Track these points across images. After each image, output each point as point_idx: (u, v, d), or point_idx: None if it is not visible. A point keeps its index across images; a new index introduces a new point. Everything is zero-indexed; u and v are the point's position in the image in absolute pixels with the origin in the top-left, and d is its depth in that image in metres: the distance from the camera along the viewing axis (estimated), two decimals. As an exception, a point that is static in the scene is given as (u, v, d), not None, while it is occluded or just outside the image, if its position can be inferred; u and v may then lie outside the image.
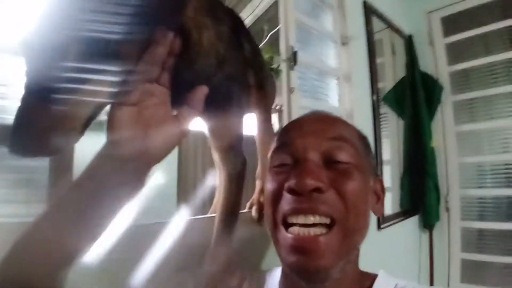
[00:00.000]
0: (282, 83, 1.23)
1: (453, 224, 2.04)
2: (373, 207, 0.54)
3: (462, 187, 2.07)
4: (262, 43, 2.46)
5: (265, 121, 0.93)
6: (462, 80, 2.14)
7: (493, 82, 2.02)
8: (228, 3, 2.66)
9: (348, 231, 0.46)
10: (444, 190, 2.08)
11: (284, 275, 0.56)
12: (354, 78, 1.55)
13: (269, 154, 0.57)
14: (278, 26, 1.33)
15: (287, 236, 0.46)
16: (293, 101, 1.18)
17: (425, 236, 2.06)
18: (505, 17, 1.97)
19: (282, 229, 0.47)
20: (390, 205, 1.91)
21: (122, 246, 0.51)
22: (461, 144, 2.11)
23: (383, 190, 0.58)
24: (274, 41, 1.68)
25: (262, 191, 0.97)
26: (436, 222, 2.02)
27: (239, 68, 0.61)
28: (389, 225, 1.66)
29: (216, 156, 0.69)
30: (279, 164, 0.52)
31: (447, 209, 2.06)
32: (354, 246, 0.49)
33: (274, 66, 2.52)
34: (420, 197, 1.97)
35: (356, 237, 0.48)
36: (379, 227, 1.57)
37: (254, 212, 0.92)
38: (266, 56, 2.48)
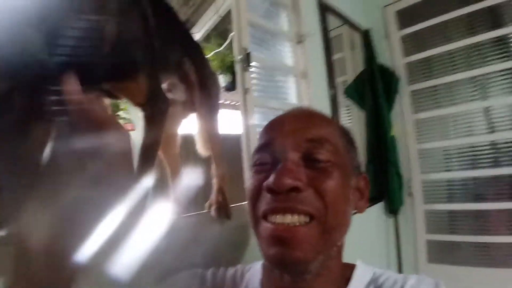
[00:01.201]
0: (237, 84, 1.27)
1: (417, 208, 2.15)
2: (356, 204, 0.55)
3: (423, 172, 2.17)
4: (226, 43, 2.50)
5: (210, 121, 0.95)
6: (421, 70, 2.23)
7: (453, 69, 2.11)
8: (192, 3, 2.68)
9: (326, 228, 0.47)
10: (407, 176, 2.18)
11: (265, 268, 0.58)
12: (311, 75, 1.60)
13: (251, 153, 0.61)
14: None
15: (266, 226, 0.47)
16: (249, 100, 1.22)
17: (391, 221, 2.16)
18: (460, 5, 2.06)
19: (262, 222, 0.48)
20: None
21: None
22: (422, 131, 2.21)
23: (367, 186, 0.58)
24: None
25: (220, 190, 1.00)
26: (400, 207, 2.12)
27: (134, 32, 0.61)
28: (356, 213, 1.73)
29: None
30: (259, 163, 0.52)
31: (410, 194, 2.17)
32: (333, 243, 0.50)
33: (240, 65, 2.56)
34: (384, 184, 2.06)
35: (335, 234, 0.49)
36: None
37: (213, 211, 0.95)
38: (231, 55, 2.52)
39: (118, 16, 0.53)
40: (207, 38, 2.74)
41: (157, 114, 0.69)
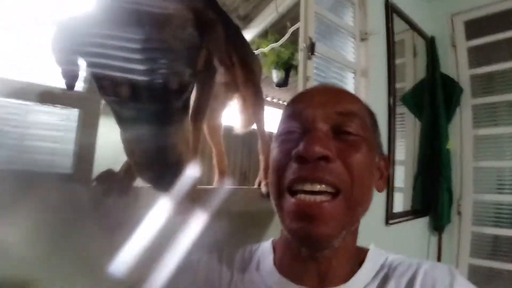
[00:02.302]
0: (299, 72, 1.27)
1: (464, 228, 2.02)
2: (376, 182, 0.54)
3: (476, 191, 2.04)
4: (284, 39, 2.52)
5: (256, 97, 0.96)
6: (484, 84, 2.12)
7: None
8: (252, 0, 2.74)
9: (352, 202, 0.46)
10: (457, 194, 2.06)
11: (281, 243, 0.56)
12: (372, 75, 1.57)
13: (277, 124, 0.57)
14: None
15: (291, 201, 0.46)
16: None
17: (434, 238, 2.05)
18: None
19: (287, 195, 0.47)
20: (401, 203, 1.92)
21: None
22: (479, 148, 2.09)
23: (386, 167, 0.57)
24: (296, 39, 1.72)
25: (267, 166, 1.01)
26: (446, 224, 2.01)
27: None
28: (397, 222, 1.67)
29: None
30: (287, 131, 0.52)
31: (459, 213, 2.05)
32: (356, 218, 0.50)
33: (295, 62, 2.57)
34: (433, 198, 1.97)
35: (359, 209, 0.49)
36: (387, 223, 1.59)
37: (263, 187, 0.95)
38: (287, 52, 2.54)
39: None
40: (264, 34, 2.78)
41: (208, 78, 0.74)
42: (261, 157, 1.01)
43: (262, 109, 1.00)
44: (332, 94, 0.54)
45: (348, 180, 0.46)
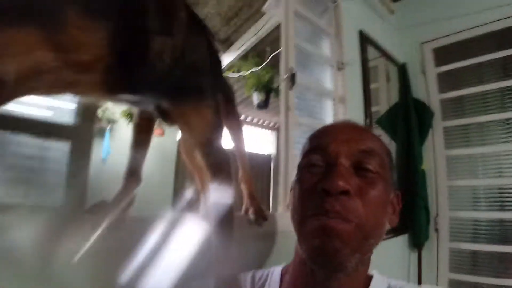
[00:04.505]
0: (280, 102, 1.33)
1: (441, 244, 2.10)
2: (389, 217, 0.58)
3: (452, 209, 2.14)
4: (264, 63, 2.60)
5: (238, 126, 1.01)
6: (454, 107, 2.24)
7: (485, 110, 2.11)
8: (233, 23, 2.83)
9: (365, 233, 0.50)
10: (434, 212, 2.15)
11: (295, 270, 0.59)
12: (349, 101, 1.66)
13: (298, 156, 0.63)
14: (279, 48, 1.44)
15: (314, 222, 0.50)
16: (290, 118, 1.28)
17: (414, 255, 2.11)
18: (498, 48, 2.08)
19: (308, 220, 0.52)
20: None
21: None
22: (452, 168, 2.19)
23: (399, 203, 0.61)
24: (276, 62, 1.79)
25: (251, 194, 1.04)
26: (425, 241, 2.08)
27: (202, 57, 0.63)
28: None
29: (198, 156, 0.68)
30: (311, 164, 0.56)
31: (436, 230, 2.13)
32: (369, 248, 0.53)
33: (274, 86, 2.66)
34: (410, 217, 2.04)
35: (371, 240, 0.52)
36: (368, 242, 1.64)
37: (251, 215, 0.99)
38: (267, 75, 2.62)
39: (186, 34, 0.56)
40: (245, 56, 2.87)
41: (223, 162, 0.68)
42: (243, 186, 1.03)
43: (242, 139, 1.04)
44: (355, 132, 0.59)
45: (363, 214, 0.50)
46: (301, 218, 0.54)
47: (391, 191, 0.58)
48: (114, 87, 0.47)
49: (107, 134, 3.22)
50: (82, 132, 0.73)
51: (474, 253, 2.03)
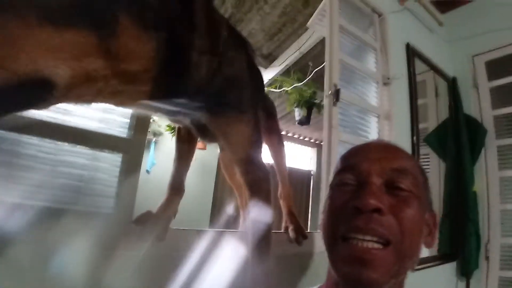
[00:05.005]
0: (324, 118, 1.31)
1: (491, 273, 1.94)
2: (425, 238, 0.56)
3: (504, 235, 1.97)
4: (307, 79, 2.59)
5: (279, 144, 1.00)
6: (510, 124, 2.10)
7: None
8: (277, 39, 2.85)
9: (401, 253, 0.48)
10: (485, 238, 1.99)
11: None
12: (395, 117, 1.60)
13: (330, 175, 0.62)
14: (322, 63, 1.42)
15: (345, 247, 0.49)
16: (333, 135, 1.25)
17: (462, 284, 1.96)
18: None
19: (340, 241, 0.50)
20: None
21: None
22: (506, 190, 2.03)
23: (435, 224, 0.59)
24: (318, 77, 1.77)
25: (290, 211, 1.03)
26: (474, 269, 1.93)
27: (240, 71, 0.63)
28: (424, 268, 1.63)
29: (237, 173, 0.69)
30: (343, 183, 0.55)
31: (487, 258, 1.97)
32: (404, 270, 0.51)
33: (317, 101, 2.63)
34: (460, 242, 1.91)
35: (408, 261, 0.50)
36: (413, 268, 1.55)
37: (291, 233, 0.97)
38: (309, 91, 2.60)
39: (225, 49, 0.56)
40: (287, 72, 2.88)
41: (262, 181, 0.68)
42: (282, 202, 1.03)
43: (283, 155, 1.04)
44: (387, 151, 0.58)
45: (398, 233, 0.49)
46: (331, 239, 0.53)
47: (426, 211, 0.55)
48: (155, 97, 0.46)
49: (152, 146, 3.33)
50: (134, 145, 0.76)
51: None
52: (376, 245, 0.48)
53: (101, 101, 0.42)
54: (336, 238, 0.52)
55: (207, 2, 0.46)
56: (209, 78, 0.52)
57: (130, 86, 0.40)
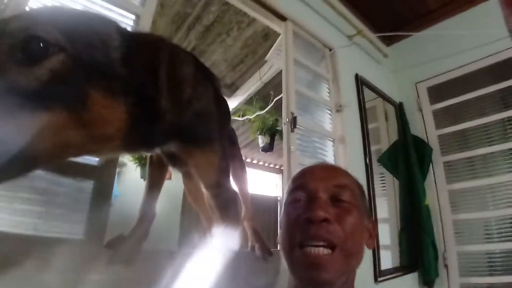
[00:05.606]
0: (283, 144, 1.42)
1: (452, 280, 2.07)
2: (366, 241, 0.67)
3: (459, 243, 2.13)
4: (269, 107, 2.73)
5: (241, 169, 1.09)
6: (456, 141, 2.29)
7: (488, 141, 2.14)
8: (239, 69, 2.99)
9: (347, 254, 0.59)
10: (442, 247, 2.15)
11: None
12: (348, 141, 1.75)
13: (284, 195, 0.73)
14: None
15: (303, 254, 0.59)
16: (293, 159, 1.36)
17: (426, 293, 2.08)
18: (495, 81, 2.13)
19: (297, 249, 0.60)
20: (389, 261, 1.99)
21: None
22: (458, 201, 2.19)
23: (374, 228, 0.71)
24: (279, 106, 1.90)
25: (255, 230, 1.12)
26: (435, 278, 2.05)
27: (208, 105, 0.70)
28: (386, 279, 1.72)
29: (207, 196, 0.76)
30: (295, 199, 0.66)
31: (446, 266, 2.11)
32: (352, 268, 0.62)
33: (279, 128, 2.76)
34: (418, 253, 2.04)
35: (353, 260, 0.61)
36: (376, 280, 1.64)
37: (258, 251, 1.04)
38: (271, 118, 2.74)
39: (192, 86, 0.62)
40: (250, 100, 3.02)
41: (231, 201, 0.77)
42: (247, 223, 1.10)
43: (246, 179, 1.12)
44: (330, 171, 0.72)
45: (343, 236, 0.59)
46: (289, 248, 0.63)
47: (365, 217, 0.68)
48: (130, 146, 0.54)
49: (115, 178, 3.25)
50: (105, 173, 0.82)
51: (490, 286, 1.97)
52: (326, 251, 0.58)
53: (81, 156, 0.50)
54: (294, 246, 0.61)
55: (171, 65, 0.52)
56: (175, 125, 0.58)
57: (107, 144, 0.47)
